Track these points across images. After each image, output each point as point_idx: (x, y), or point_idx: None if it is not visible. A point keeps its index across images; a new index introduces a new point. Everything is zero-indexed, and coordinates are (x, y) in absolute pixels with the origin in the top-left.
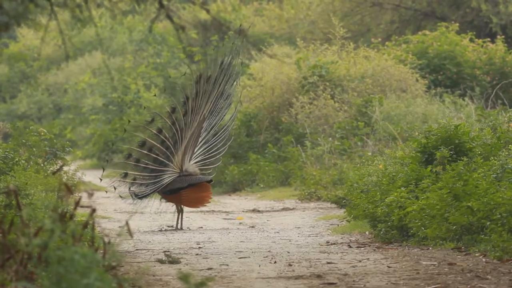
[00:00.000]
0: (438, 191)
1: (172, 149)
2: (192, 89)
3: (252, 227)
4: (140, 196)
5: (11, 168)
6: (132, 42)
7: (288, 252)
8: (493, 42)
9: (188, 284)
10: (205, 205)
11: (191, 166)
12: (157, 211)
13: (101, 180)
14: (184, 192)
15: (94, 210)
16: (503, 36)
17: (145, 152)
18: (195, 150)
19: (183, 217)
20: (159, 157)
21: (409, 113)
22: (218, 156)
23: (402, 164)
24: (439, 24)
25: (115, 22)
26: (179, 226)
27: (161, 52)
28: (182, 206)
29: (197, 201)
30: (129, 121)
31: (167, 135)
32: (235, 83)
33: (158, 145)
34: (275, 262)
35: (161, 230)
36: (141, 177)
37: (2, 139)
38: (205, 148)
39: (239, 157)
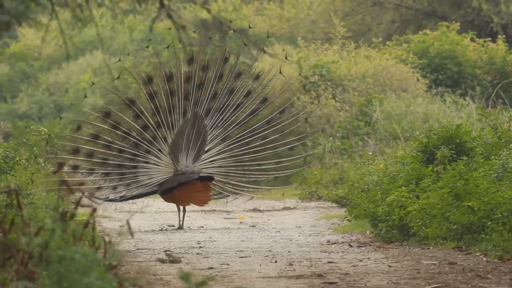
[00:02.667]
0: (439, 191)
1: (136, 151)
2: (139, 91)
3: (253, 226)
4: (115, 199)
5: (12, 167)
6: (133, 41)
7: (289, 252)
8: (494, 41)
9: (189, 284)
10: (205, 204)
11: (196, 165)
12: (158, 210)
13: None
14: (177, 191)
15: (94, 210)
16: (504, 36)
17: (82, 159)
18: (207, 149)
19: (185, 216)
20: (108, 161)
21: (410, 113)
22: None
23: (403, 164)
24: (440, 24)
25: (116, 22)
26: (181, 225)
27: (161, 52)
28: (181, 205)
29: (190, 200)
30: (49, 135)
31: (109, 139)
32: (260, 79)
33: (100, 149)
34: (275, 261)
35: (162, 230)
36: (92, 182)
37: (3, 138)
38: (227, 145)
39: None
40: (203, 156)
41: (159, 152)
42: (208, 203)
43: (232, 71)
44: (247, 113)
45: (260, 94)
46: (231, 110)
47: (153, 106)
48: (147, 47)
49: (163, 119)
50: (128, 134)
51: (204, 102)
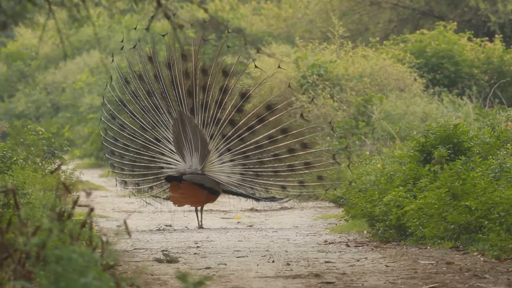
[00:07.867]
0: (436, 190)
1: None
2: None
3: (250, 226)
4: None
5: (9, 167)
6: (130, 41)
7: (286, 251)
8: (491, 41)
9: (186, 283)
10: (178, 205)
11: (204, 166)
12: (155, 210)
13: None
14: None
15: (92, 209)
16: (501, 35)
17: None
18: (210, 148)
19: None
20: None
21: (409, 113)
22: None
23: (400, 163)
24: (437, 23)
25: (113, 21)
26: (199, 224)
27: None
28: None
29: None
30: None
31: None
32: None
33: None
34: (273, 261)
35: (159, 229)
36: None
37: (0, 138)
38: (243, 145)
39: None
40: (210, 157)
41: (170, 152)
42: (177, 205)
43: (195, 68)
44: (236, 111)
45: (238, 90)
46: (213, 108)
47: (143, 105)
48: (121, 48)
49: (155, 119)
50: (134, 136)
51: (183, 100)
